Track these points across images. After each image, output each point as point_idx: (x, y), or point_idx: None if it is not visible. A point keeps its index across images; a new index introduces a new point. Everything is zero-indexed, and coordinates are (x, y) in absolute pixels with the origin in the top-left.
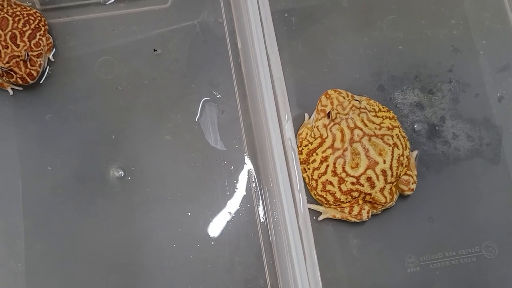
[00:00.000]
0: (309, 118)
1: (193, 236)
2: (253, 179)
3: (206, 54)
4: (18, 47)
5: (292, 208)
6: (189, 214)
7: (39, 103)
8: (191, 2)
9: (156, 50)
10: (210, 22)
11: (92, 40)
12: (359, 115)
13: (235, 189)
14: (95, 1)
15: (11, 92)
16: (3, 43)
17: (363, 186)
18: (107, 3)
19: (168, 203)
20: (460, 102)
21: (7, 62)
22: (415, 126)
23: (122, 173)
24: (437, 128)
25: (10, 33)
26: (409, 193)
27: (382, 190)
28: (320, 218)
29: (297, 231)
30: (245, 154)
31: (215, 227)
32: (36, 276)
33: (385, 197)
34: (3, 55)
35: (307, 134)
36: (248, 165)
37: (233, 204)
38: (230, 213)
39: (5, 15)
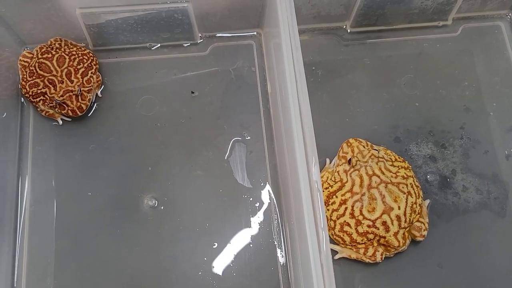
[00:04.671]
0: (330, 163)
1: (217, 266)
2: (276, 216)
3: (238, 98)
4: (72, 83)
5: (315, 244)
6: (215, 245)
7: (85, 134)
8: (228, 51)
9: (193, 92)
10: (244, 70)
11: (136, 80)
12: (377, 164)
13: (259, 225)
14: (142, 45)
15: (60, 122)
16: (59, 78)
17: (378, 229)
18: (152, 48)
19: (196, 234)
20: (470, 157)
21: (61, 96)
22: (428, 177)
23: (155, 203)
24: (448, 180)
25: (66, 70)
26: (420, 239)
27: (396, 234)
28: (336, 257)
29: (319, 267)
30: (269, 193)
31: (238, 259)
32: None
33: (399, 241)
34: (58, 89)
35: (327, 177)
36: (272, 203)
37: (256, 239)
38: (252, 246)
39: (63, 53)
